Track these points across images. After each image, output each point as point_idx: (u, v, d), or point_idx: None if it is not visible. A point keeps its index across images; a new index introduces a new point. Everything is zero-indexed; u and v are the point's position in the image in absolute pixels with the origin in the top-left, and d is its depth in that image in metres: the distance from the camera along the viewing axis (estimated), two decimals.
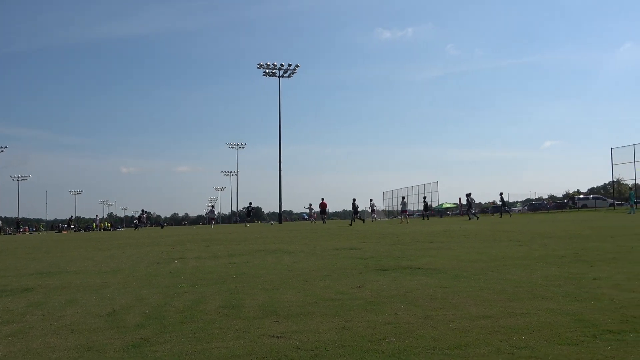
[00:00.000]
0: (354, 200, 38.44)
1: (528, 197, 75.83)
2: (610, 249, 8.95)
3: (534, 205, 65.24)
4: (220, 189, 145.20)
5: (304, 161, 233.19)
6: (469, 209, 35.62)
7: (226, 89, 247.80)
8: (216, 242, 15.63)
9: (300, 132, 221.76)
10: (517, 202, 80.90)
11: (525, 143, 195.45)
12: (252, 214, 47.22)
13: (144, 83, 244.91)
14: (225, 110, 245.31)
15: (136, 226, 50.76)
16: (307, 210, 42.38)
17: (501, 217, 37.61)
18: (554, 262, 7.35)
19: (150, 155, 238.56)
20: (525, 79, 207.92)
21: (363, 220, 40.75)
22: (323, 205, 39.78)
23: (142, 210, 49.50)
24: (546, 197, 74.60)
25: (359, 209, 39.95)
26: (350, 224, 31.24)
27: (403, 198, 39.55)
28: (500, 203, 41.57)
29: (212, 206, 49.40)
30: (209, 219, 48.41)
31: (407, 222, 32.69)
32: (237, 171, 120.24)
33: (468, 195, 35.71)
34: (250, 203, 45.96)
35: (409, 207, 45.78)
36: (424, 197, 45.43)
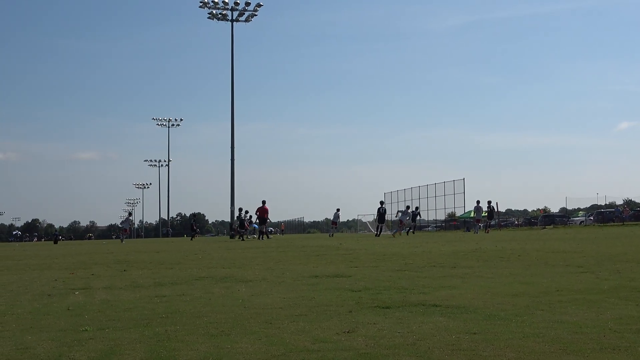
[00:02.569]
0: (382, 203, 41.90)
1: (594, 202, 76.78)
2: None
3: (604, 215, 66.07)
4: (144, 186, 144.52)
5: (268, 147, 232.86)
6: (489, 218, 37.97)
7: (152, 40, 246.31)
8: (137, 265, 15.54)
9: (264, 104, 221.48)
10: (578, 209, 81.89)
11: (591, 125, 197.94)
12: (197, 225, 47.77)
13: (25, 30, 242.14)
14: (151, 72, 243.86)
15: (20, 239, 50.62)
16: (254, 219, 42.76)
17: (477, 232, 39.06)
18: (631, 297, 7.44)
19: (39, 135, 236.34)
20: (591, 29, 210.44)
21: (393, 233, 41.91)
22: (262, 212, 39.66)
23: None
24: (621, 202, 75.59)
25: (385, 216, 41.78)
26: (377, 235, 33.21)
27: (408, 207, 41.27)
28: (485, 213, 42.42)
29: (130, 213, 49.27)
30: (121, 230, 48.40)
31: (394, 236, 34.34)
32: (169, 160, 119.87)
33: (489, 203, 37.91)
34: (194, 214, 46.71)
35: (422, 217, 46.58)
36: (381, 202, 46.03)
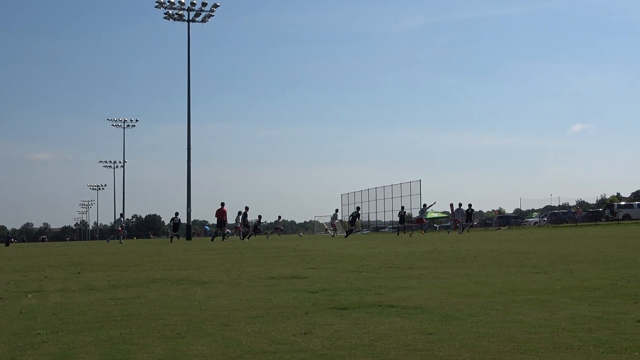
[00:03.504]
0: (402, 208, 45.11)
1: (548, 203, 77.84)
2: None
3: (557, 216, 67.07)
4: (99, 188, 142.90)
5: (226, 148, 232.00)
6: (468, 220, 38.84)
7: (108, 40, 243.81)
8: (92, 268, 15.38)
9: (221, 105, 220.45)
10: (532, 210, 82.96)
11: (546, 126, 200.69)
12: (179, 227, 47.37)
13: None
14: (107, 72, 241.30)
15: None
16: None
17: (461, 232, 40.05)
18: (584, 296, 7.57)
19: None
20: (547, 33, 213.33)
21: (410, 233, 43.09)
22: (220, 214, 39.82)
23: None
24: (574, 203, 76.80)
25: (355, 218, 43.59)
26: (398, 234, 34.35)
27: (358, 208, 42.46)
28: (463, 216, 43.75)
29: (121, 214, 48.24)
30: (115, 231, 47.57)
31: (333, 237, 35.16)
32: (125, 161, 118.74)
33: (470, 205, 38.94)
34: (177, 213, 46.33)
35: (361, 219, 47.34)
36: (357, 207, 47.03)
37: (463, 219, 42.87)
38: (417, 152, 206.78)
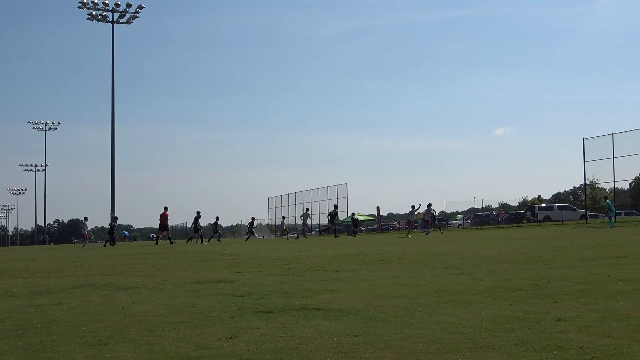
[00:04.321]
0: (335, 207, 45.16)
1: (472, 205, 79.38)
2: (580, 277, 9.56)
3: (480, 218, 68.31)
4: (19, 192, 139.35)
5: (151, 151, 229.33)
6: (432, 222, 39.52)
7: (29, 41, 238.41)
8: (11, 274, 14.98)
9: (145, 108, 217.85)
10: (456, 212, 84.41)
11: (469, 130, 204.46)
12: (114, 231, 46.44)
13: None
14: (28, 73, 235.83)
15: None
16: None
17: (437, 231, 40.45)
18: (505, 297, 7.73)
19: None
20: (469, 39, 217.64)
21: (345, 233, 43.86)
22: (162, 218, 39.56)
23: None
24: (496, 205, 78.35)
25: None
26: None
27: (335, 207, 43.04)
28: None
29: (85, 217, 46.39)
30: (112, 228, 45.99)
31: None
32: (46, 164, 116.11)
33: (429, 205, 40.90)
34: (115, 218, 45.48)
35: (309, 221, 47.43)
36: (335, 205, 47.26)
37: (427, 220, 43.33)
38: (343, 156, 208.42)
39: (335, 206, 45.49)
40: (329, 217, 46.29)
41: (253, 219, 51.84)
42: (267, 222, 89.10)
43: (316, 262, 14.81)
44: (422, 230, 42.07)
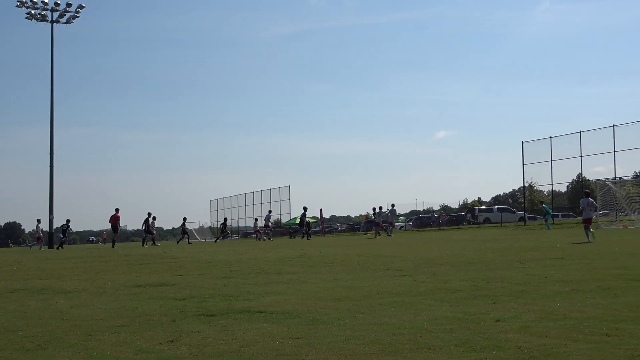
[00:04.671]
0: (305, 209, 44.65)
1: (414, 208, 79.92)
2: (519, 279, 9.73)
3: (422, 220, 68.85)
4: None
5: (91, 153, 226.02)
6: (387, 222, 41.62)
7: None
8: None
9: (85, 109, 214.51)
10: (398, 215, 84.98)
11: (412, 133, 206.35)
12: (67, 233, 45.47)
13: None
14: None
15: None
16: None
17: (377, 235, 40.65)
18: (446, 298, 7.83)
19: None
20: (411, 43, 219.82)
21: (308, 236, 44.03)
22: (113, 220, 39.13)
23: None
24: (438, 208, 79.13)
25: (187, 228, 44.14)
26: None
27: (305, 209, 43.36)
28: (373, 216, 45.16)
29: (38, 220, 44.95)
30: (38, 239, 44.56)
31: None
32: None
33: (392, 205, 42.39)
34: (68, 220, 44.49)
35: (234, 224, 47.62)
36: (304, 207, 47.45)
37: (391, 221, 43.65)
38: (286, 158, 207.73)
39: (305, 208, 45.51)
40: (299, 220, 46.57)
41: (225, 219, 51.94)
42: (210, 224, 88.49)
43: (258, 265, 14.78)
44: (382, 231, 42.32)
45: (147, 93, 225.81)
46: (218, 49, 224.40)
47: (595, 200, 25.90)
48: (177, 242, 46.39)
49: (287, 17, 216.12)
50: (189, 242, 46.86)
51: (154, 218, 41.01)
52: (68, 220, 45.06)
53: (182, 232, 49.56)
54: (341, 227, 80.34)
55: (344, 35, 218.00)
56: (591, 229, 21.67)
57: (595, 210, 25.86)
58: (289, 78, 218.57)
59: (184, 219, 48.76)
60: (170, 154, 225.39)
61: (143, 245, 39.97)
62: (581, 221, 23.68)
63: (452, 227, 58.46)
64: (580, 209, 24.09)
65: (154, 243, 40.86)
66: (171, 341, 5.63)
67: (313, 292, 8.94)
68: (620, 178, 45.16)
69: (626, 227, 36.91)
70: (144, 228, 41.07)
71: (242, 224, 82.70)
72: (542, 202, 43.85)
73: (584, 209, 22.88)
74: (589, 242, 20.63)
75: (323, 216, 53.54)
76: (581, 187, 52.29)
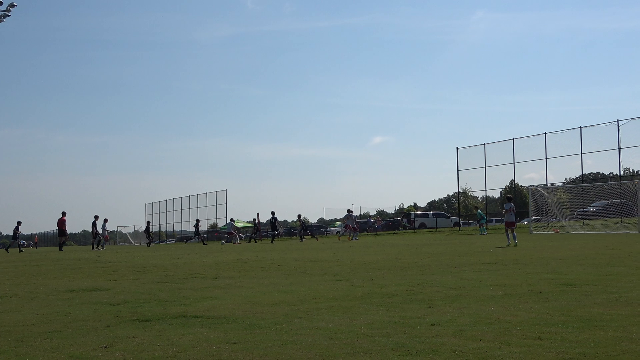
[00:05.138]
0: (273, 213, 46.22)
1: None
2: (454, 283, 9.87)
3: (359, 225, 69.31)
4: None
5: (21, 154, 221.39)
6: (353, 227, 41.52)
7: None
8: None
9: (16, 110, 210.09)
10: (335, 219, 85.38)
11: (348, 138, 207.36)
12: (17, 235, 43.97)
13: None
14: None
15: None
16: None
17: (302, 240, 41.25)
18: (382, 302, 7.89)
19: None
20: (349, 48, 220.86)
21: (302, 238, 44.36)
22: (60, 223, 38.58)
23: None
24: (374, 213, 79.76)
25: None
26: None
27: (273, 213, 43.55)
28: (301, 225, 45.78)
29: (19, 222, 43.11)
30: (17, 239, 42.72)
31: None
32: None
33: (350, 212, 42.35)
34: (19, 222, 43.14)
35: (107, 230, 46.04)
36: (272, 212, 47.55)
37: (356, 225, 43.76)
38: (222, 162, 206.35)
39: (273, 212, 46.07)
40: (270, 224, 47.61)
41: (198, 220, 51.37)
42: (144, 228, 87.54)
43: (194, 269, 14.68)
44: (347, 234, 42.48)
45: (80, 94, 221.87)
46: (152, 50, 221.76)
47: (528, 206, 26.41)
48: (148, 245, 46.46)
49: (224, 21, 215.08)
50: (94, 247, 44.72)
51: (105, 220, 40.62)
52: (19, 222, 43.86)
53: (147, 236, 49.88)
54: (278, 232, 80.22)
55: (281, 40, 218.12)
56: (514, 232, 22.84)
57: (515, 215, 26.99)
58: (226, 81, 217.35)
59: (147, 222, 49.80)
60: (105, 156, 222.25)
61: (97, 248, 39.40)
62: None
63: (389, 232, 59.02)
64: (503, 213, 24.94)
65: (102, 246, 40.39)
66: (105, 347, 5.55)
67: (250, 296, 8.92)
68: (552, 184, 46.29)
69: (557, 232, 37.77)
70: (94, 231, 40.63)
71: (177, 228, 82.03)
72: (477, 208, 44.60)
73: (506, 212, 23.84)
74: (509, 245, 21.85)
75: (260, 221, 53.46)
76: (513, 193, 53.45)
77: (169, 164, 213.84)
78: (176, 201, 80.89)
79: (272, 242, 43.49)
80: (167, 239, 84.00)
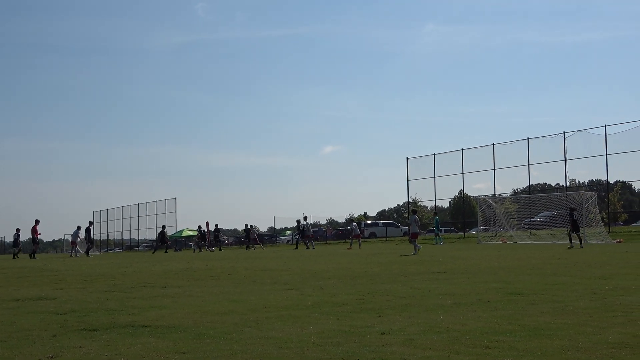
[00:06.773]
0: (246, 225, 47.32)
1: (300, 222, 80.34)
2: (403, 292, 9.93)
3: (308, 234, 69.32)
4: None
5: None
6: (302, 236, 42.60)
7: None
8: None
9: None
10: (285, 228, 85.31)
11: (300, 147, 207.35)
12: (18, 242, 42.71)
13: None
14: None
15: None
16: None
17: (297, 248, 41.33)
18: (333, 311, 7.91)
19: None
20: (301, 57, 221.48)
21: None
22: (32, 231, 38.03)
23: None
24: (324, 222, 79.91)
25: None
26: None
27: (90, 223, 41.58)
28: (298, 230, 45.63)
29: (17, 229, 41.65)
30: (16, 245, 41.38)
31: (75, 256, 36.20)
32: None
33: (305, 218, 42.63)
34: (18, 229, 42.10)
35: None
36: (246, 224, 47.89)
37: (311, 234, 44.13)
38: (172, 170, 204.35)
39: (247, 224, 47.05)
40: (244, 232, 49.05)
41: (164, 227, 50.59)
42: (93, 236, 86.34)
43: (143, 278, 14.53)
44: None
45: (27, 100, 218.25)
46: (101, 56, 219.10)
47: (476, 216, 26.74)
48: (153, 252, 45.59)
49: (174, 28, 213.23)
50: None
51: (79, 228, 40.18)
52: (17, 229, 42.83)
53: (162, 240, 48.26)
54: (228, 240, 79.94)
55: (233, 48, 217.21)
56: (418, 244, 24.10)
57: (420, 227, 27.87)
58: (175, 88, 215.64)
59: (163, 226, 49.35)
60: (53, 163, 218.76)
61: (87, 255, 39.18)
62: (461, 236, 24.98)
63: (339, 241, 59.10)
64: (408, 224, 25.56)
65: (75, 253, 39.99)
66: (51, 357, 5.47)
67: (199, 305, 8.86)
68: (500, 195, 46.93)
69: (505, 242, 38.30)
70: (85, 238, 40.26)
71: (126, 237, 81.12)
72: (436, 214, 44.47)
73: (411, 224, 24.45)
74: (415, 254, 22.73)
75: (210, 229, 53.08)
76: (463, 202, 53.99)
77: (118, 171, 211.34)
78: (125, 209, 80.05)
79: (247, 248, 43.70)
80: (115, 247, 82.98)
